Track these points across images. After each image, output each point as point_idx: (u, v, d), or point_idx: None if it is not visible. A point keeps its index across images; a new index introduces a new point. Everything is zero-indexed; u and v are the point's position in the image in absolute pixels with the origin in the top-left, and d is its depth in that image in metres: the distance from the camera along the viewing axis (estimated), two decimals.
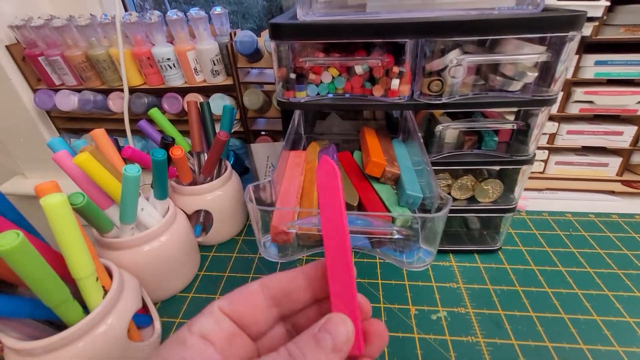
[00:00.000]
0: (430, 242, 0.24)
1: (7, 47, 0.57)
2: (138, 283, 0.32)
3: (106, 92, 0.59)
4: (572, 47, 0.30)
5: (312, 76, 0.33)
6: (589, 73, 0.50)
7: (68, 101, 0.59)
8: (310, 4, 0.32)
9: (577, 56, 0.49)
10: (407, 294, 0.39)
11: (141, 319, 0.32)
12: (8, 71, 0.58)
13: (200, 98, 0.57)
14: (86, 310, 0.26)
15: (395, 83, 0.32)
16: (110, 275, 0.29)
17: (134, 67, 0.57)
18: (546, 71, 0.32)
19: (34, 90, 0.61)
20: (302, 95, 0.34)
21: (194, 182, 0.44)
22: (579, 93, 0.51)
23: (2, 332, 0.24)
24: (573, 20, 0.28)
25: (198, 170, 0.45)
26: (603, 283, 0.39)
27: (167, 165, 0.35)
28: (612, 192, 0.55)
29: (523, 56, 0.30)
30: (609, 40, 0.47)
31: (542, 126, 0.35)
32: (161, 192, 0.35)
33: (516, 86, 0.32)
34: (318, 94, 0.34)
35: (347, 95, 0.34)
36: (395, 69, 0.32)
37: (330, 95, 0.35)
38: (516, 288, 0.39)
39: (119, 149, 0.60)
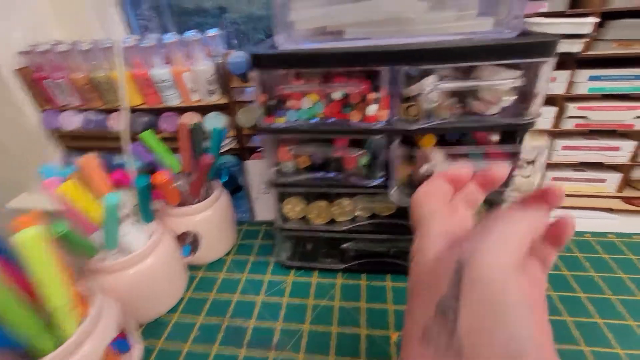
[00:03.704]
0: None
1: (16, 70, 0.60)
2: (119, 308, 0.33)
3: (107, 112, 0.62)
4: (546, 70, 0.30)
5: (290, 102, 0.34)
6: (582, 88, 0.49)
7: (72, 121, 0.61)
8: (290, 32, 0.33)
9: (569, 72, 0.48)
10: (390, 319, 0.38)
11: (120, 345, 0.33)
12: (17, 93, 0.61)
13: (196, 117, 0.58)
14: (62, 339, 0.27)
15: (371, 109, 0.32)
16: (89, 302, 0.30)
17: (134, 88, 0.59)
18: (524, 93, 0.32)
19: (42, 111, 0.64)
20: (281, 121, 0.34)
21: (184, 202, 0.45)
22: (572, 108, 0.50)
23: None
24: (544, 46, 0.28)
25: (188, 190, 0.46)
26: (595, 309, 0.38)
27: (152, 190, 0.36)
28: (610, 210, 0.54)
29: (498, 81, 0.30)
30: (602, 56, 0.46)
31: (527, 148, 0.34)
32: (146, 216, 0.36)
33: (494, 110, 0.32)
34: (298, 119, 0.35)
35: (332, 120, 0.35)
36: (372, 95, 0.32)
37: (315, 120, 0.35)
38: None
39: (118, 166, 0.62)
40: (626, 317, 0.37)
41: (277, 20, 0.32)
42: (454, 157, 0.32)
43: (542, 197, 0.20)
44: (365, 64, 0.31)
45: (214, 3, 0.82)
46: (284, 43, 0.33)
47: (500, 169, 0.22)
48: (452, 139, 0.36)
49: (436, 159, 0.28)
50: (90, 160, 0.35)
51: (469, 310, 0.15)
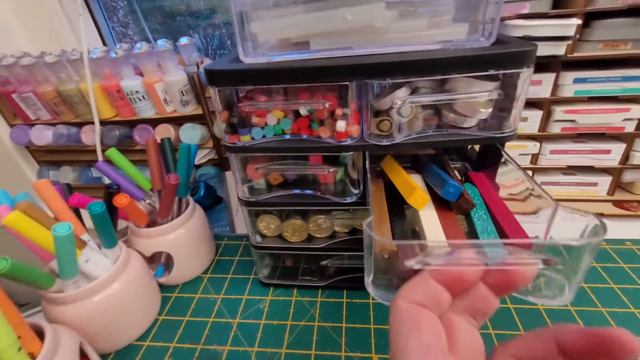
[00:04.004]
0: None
1: None
2: (78, 340, 0.31)
3: (80, 125, 0.59)
4: (525, 80, 0.28)
5: (255, 119, 0.32)
6: (568, 91, 0.47)
7: (42, 136, 0.59)
8: (252, 44, 0.31)
9: (554, 74, 0.46)
10: (372, 340, 0.37)
11: None
12: None
13: (171, 129, 0.56)
14: None
15: (340, 125, 0.30)
16: (43, 337, 0.28)
17: (105, 100, 0.56)
18: (503, 104, 0.30)
19: (11, 126, 0.61)
20: (246, 139, 0.32)
21: (154, 221, 0.43)
22: (559, 112, 0.48)
23: None
24: (522, 56, 0.26)
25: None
26: (585, 323, 0.36)
27: (114, 214, 0.33)
28: (602, 215, 0.52)
29: (472, 94, 0.28)
30: (588, 58, 0.45)
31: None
32: (107, 242, 0.34)
33: (470, 122, 0.30)
34: (264, 136, 0.33)
35: (304, 137, 0.33)
36: (339, 111, 0.30)
37: (286, 136, 0.33)
38: (489, 331, 0.36)
39: (93, 181, 0.59)
40: None
41: (237, 31, 0.30)
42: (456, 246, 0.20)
43: (602, 350, 0.13)
44: (331, 79, 0.29)
45: (206, 4, 0.80)
46: (247, 55, 0.31)
47: (527, 268, 0.15)
48: (449, 197, 0.25)
49: (429, 245, 0.18)
50: (45, 185, 0.33)
51: None
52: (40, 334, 0.29)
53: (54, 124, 0.59)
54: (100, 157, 0.58)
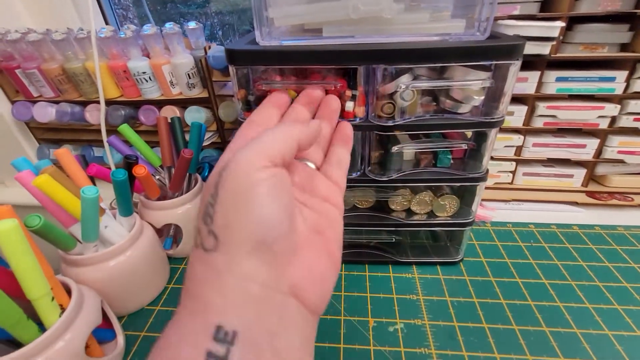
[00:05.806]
0: None
1: None
2: (99, 299, 0.33)
3: (84, 104, 0.60)
4: (514, 71, 0.31)
5: None
6: (551, 89, 0.51)
7: (45, 113, 0.60)
8: (268, 29, 0.34)
9: (539, 72, 0.51)
10: (368, 306, 0.40)
11: (103, 333, 0.33)
12: None
13: (176, 110, 0.58)
14: (44, 328, 0.27)
15: (349, 105, 0.33)
16: (70, 293, 0.30)
17: (111, 79, 0.57)
18: (493, 93, 0.34)
19: (12, 102, 0.62)
20: None
21: (164, 196, 0.45)
22: (542, 108, 0.53)
23: None
24: (512, 48, 0.30)
25: (169, 184, 0.46)
26: (556, 295, 0.41)
27: (131, 184, 0.35)
28: (576, 203, 0.57)
29: (468, 82, 0.32)
30: (569, 58, 0.49)
31: (492, 145, 0.36)
32: (125, 210, 0.36)
33: (465, 109, 0.34)
34: None
35: None
36: (349, 93, 0.33)
37: None
38: (473, 300, 0.40)
39: (94, 160, 0.61)
40: (584, 301, 0.40)
41: (255, 16, 0.32)
42: None
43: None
44: (341, 63, 0.31)
45: None
46: (263, 39, 0.34)
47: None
48: None
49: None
50: (65, 154, 0.35)
51: (223, 205, 0.17)
52: (66, 290, 0.31)
53: (57, 102, 0.60)
54: (104, 136, 0.59)
